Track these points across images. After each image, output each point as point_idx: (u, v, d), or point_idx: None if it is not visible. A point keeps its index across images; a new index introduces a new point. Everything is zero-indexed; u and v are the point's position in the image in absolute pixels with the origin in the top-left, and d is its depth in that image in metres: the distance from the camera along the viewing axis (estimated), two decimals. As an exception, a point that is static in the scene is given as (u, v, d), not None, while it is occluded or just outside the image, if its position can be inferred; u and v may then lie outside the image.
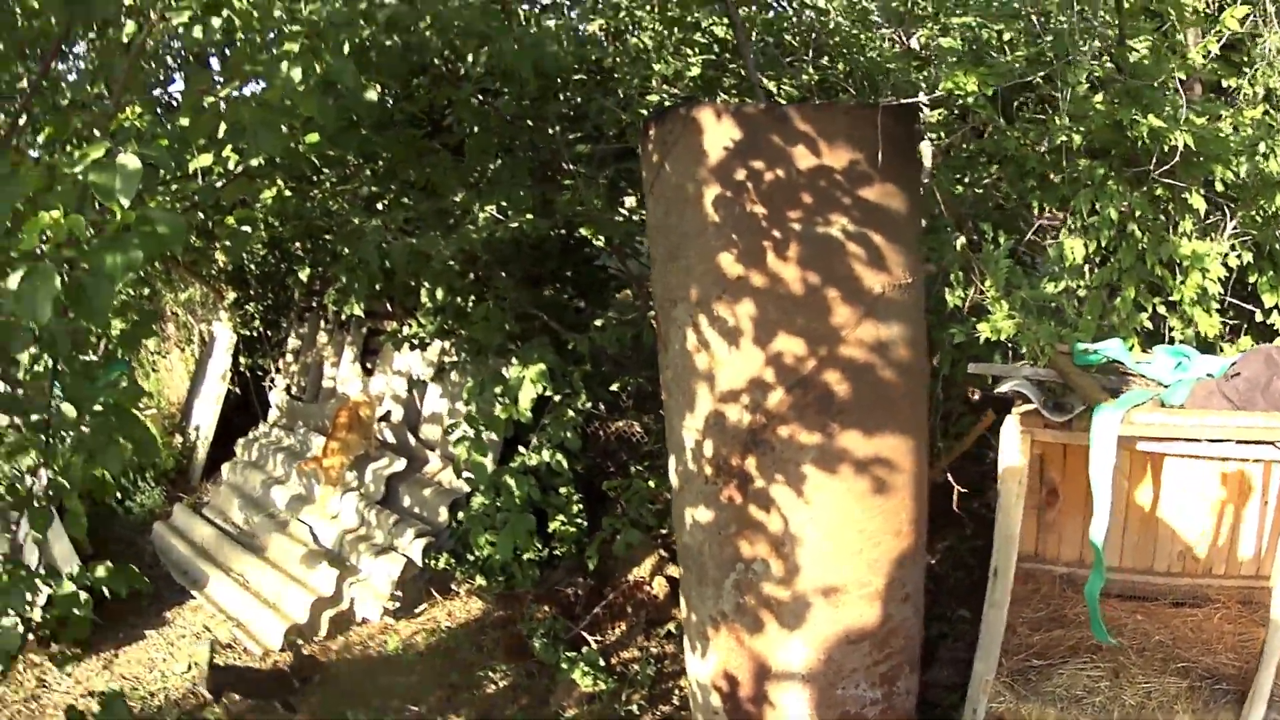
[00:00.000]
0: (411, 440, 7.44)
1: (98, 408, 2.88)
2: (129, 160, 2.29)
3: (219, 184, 3.44)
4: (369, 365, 8.11)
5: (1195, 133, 4.05)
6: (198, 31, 2.56)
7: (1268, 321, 4.51)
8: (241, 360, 9.16)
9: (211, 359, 9.44)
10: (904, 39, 5.60)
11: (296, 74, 2.42)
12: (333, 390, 8.34)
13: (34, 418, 2.96)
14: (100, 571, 3.56)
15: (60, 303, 2.26)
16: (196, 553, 7.28)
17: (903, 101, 3.92)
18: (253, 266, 8.68)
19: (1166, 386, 3.87)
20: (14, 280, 2.27)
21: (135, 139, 2.44)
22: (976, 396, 5.44)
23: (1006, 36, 4.82)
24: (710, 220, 3.90)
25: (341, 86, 2.78)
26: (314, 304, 8.72)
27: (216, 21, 2.60)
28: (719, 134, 3.84)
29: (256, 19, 2.47)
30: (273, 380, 9.13)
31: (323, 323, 8.70)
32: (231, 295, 9.01)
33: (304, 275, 7.67)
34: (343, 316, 8.13)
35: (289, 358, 9.05)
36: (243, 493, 7.90)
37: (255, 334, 9.11)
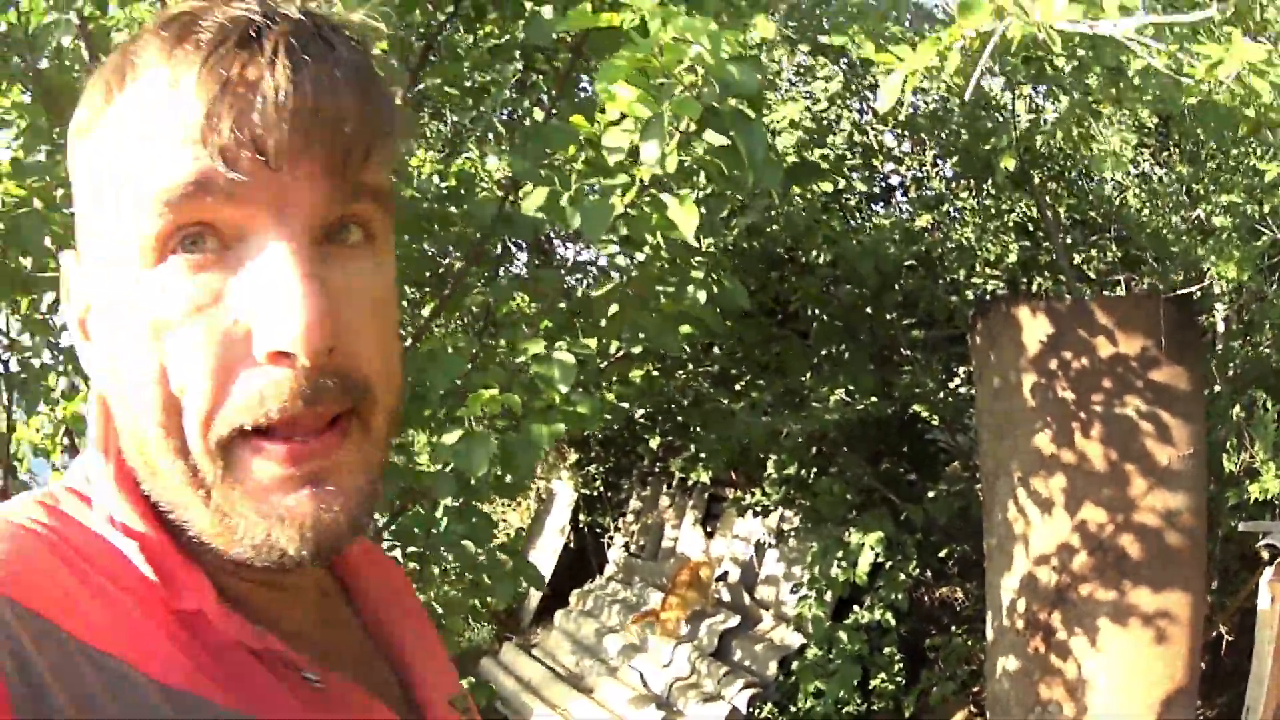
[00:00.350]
0: (747, 599, 8.01)
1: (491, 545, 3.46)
2: (565, 357, 2.90)
3: (602, 364, 4.20)
4: (709, 529, 8.84)
5: None
6: (620, 259, 3.47)
7: None
8: (581, 517, 10.06)
9: (550, 514, 10.44)
10: (1186, 218, 6.09)
11: (701, 295, 3.25)
12: (672, 550, 9.10)
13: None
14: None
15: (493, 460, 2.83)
16: (524, 688, 8.04)
17: (1181, 292, 4.52)
18: (597, 431, 9.72)
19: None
20: (451, 437, 2.83)
21: (567, 338, 3.23)
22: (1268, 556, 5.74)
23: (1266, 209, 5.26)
24: (1029, 405, 4.52)
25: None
26: (656, 469, 9.65)
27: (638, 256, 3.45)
28: (1034, 328, 4.51)
29: (664, 253, 3.30)
30: (611, 538, 10.03)
31: (665, 487, 9.61)
32: (573, 456, 10.06)
33: (654, 443, 8.45)
34: (688, 482, 9.00)
35: (629, 517, 9.96)
36: (574, 638, 8.67)
37: (595, 493, 10.09)
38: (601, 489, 10.06)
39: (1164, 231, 5.96)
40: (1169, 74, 2.42)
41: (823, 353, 6.14)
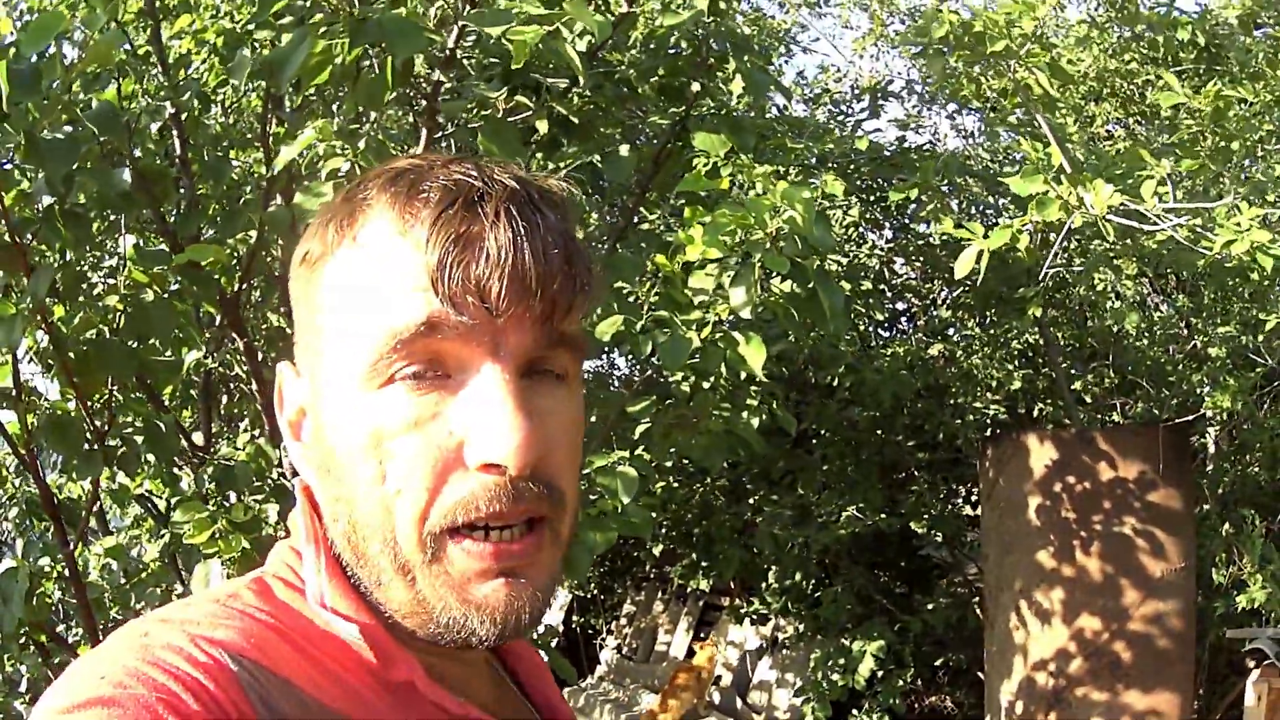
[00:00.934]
0: (739, 704, 8.24)
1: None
2: (629, 471, 3.08)
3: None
4: (702, 634, 9.09)
5: None
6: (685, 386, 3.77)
7: None
8: (574, 618, 10.26)
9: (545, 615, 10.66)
10: (1182, 348, 6.48)
11: (755, 421, 3.56)
12: (664, 654, 9.36)
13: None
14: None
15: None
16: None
17: (1177, 421, 4.94)
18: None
19: None
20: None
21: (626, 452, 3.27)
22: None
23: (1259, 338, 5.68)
24: (1034, 524, 4.91)
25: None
26: (652, 574, 9.87)
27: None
28: (1041, 454, 4.92)
29: (725, 379, 3.59)
30: (603, 639, 10.25)
31: (661, 593, 9.84)
32: (565, 558, 10.21)
33: (657, 550, 8.61)
34: (686, 589, 9.23)
35: (623, 620, 10.18)
36: (569, 739, 8.90)
37: (590, 595, 10.28)
38: (596, 591, 10.26)
39: (1161, 360, 6.35)
40: (1188, 245, 2.81)
41: (829, 469, 6.49)
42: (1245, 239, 2.66)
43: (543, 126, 3.02)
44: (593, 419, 3.83)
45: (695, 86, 3.18)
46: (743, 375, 3.31)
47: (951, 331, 7.11)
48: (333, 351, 0.81)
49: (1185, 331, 6.34)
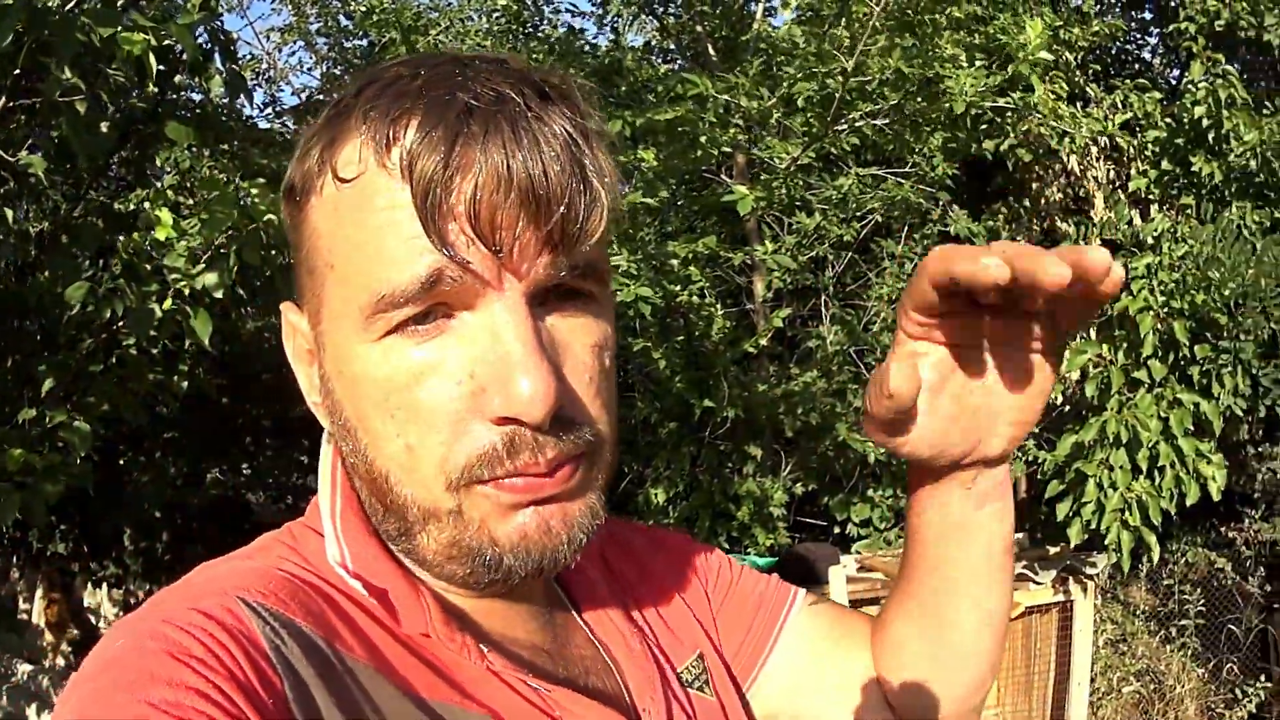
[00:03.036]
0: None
1: None
2: (84, 426, 3.55)
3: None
4: (55, 598, 9.07)
5: (745, 403, 6.16)
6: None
7: (844, 532, 6.54)
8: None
9: None
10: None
11: (185, 384, 4.07)
12: (27, 624, 9.18)
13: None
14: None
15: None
16: None
17: None
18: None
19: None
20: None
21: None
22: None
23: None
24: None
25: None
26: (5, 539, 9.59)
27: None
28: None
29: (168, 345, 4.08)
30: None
31: (14, 557, 9.59)
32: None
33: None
34: (47, 552, 9.12)
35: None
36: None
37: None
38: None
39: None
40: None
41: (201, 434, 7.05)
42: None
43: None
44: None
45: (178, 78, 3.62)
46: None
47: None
48: (329, 299, 0.76)
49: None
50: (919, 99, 5.32)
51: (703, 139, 5.45)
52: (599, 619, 0.94)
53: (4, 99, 3.14)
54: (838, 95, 5.10)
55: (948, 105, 5.19)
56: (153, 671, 0.64)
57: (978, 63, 5.63)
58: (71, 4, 2.98)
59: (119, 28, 2.77)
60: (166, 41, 3.24)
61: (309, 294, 0.78)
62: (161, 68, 3.28)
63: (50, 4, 2.88)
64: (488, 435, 0.72)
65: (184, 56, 3.55)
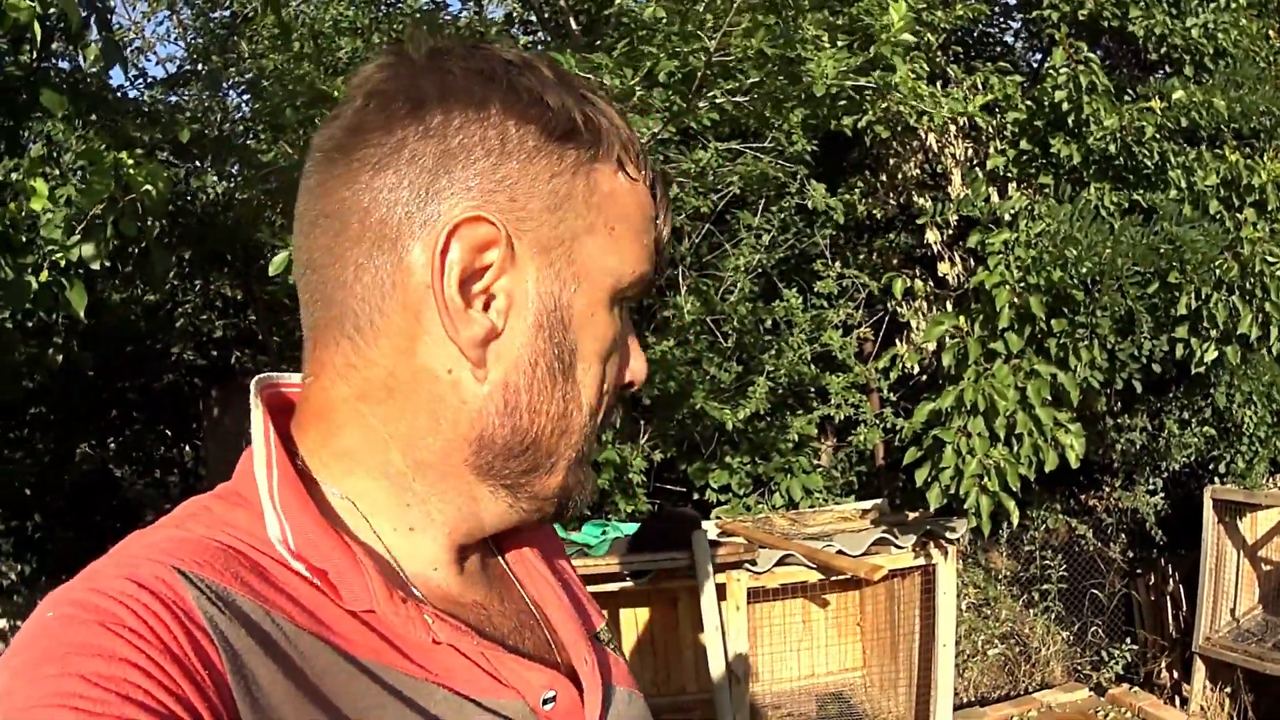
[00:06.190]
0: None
1: None
2: None
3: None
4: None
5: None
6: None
7: (703, 498, 6.83)
8: None
9: None
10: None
11: (60, 358, 4.20)
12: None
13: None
14: None
15: None
16: None
17: None
18: None
19: (593, 545, 6.06)
20: None
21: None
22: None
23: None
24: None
25: None
26: None
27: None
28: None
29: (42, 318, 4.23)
30: None
31: None
32: None
33: None
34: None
35: None
36: None
37: None
38: None
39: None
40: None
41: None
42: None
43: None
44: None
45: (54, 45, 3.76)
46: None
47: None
48: (597, 252, 0.86)
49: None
50: (780, 78, 5.52)
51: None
52: (530, 576, 1.01)
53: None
54: (700, 74, 5.31)
55: (809, 84, 5.41)
56: (84, 643, 0.65)
57: (840, 43, 5.89)
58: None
59: (4, -8, 2.88)
60: (52, 9, 3.36)
61: (553, 244, 0.84)
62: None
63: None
64: (614, 395, 0.92)
65: (62, 24, 3.67)
